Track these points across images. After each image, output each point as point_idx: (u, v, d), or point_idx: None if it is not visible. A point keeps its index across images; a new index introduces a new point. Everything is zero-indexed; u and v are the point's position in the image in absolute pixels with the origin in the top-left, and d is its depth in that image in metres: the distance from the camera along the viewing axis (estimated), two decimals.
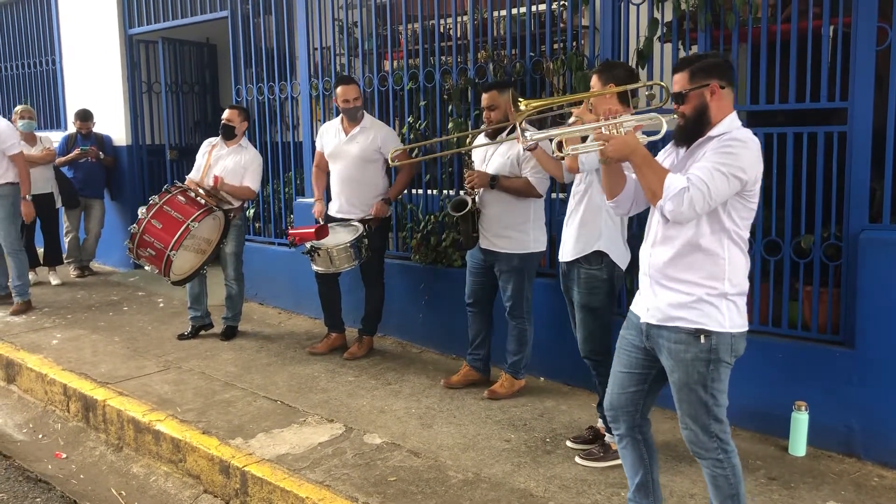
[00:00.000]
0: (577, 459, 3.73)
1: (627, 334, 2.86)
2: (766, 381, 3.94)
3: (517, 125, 2.91)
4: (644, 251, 2.78)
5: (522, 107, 2.76)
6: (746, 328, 2.66)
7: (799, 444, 3.77)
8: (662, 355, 2.70)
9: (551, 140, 2.76)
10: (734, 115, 2.66)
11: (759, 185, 2.61)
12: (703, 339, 2.59)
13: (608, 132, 2.60)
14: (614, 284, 3.70)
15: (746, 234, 2.65)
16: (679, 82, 2.66)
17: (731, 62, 2.75)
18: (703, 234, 2.59)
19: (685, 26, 4.18)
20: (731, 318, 2.60)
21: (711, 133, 2.62)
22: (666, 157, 2.81)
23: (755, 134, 3.97)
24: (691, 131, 2.65)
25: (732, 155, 2.50)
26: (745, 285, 2.65)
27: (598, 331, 3.71)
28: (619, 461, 3.80)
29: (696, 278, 2.61)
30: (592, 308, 3.68)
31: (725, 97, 2.63)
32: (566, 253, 3.73)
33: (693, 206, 2.47)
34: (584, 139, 2.76)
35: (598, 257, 3.63)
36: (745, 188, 2.55)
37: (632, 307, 2.86)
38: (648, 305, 2.72)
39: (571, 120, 2.92)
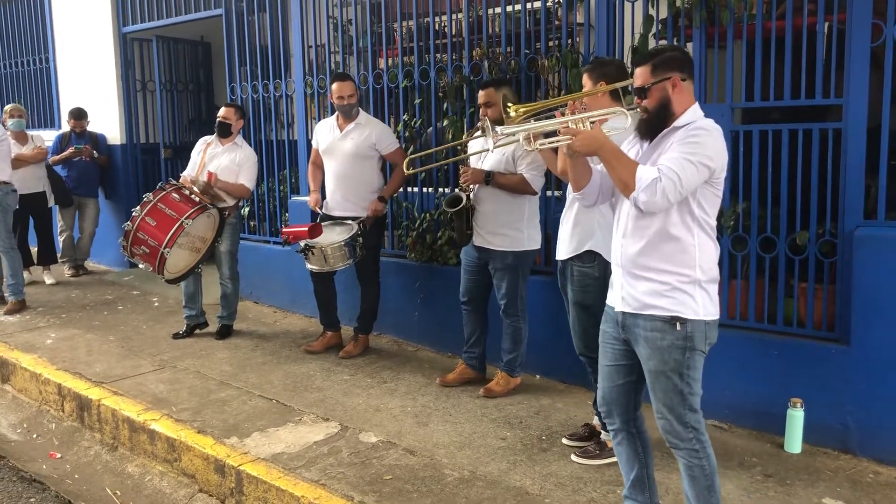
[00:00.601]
0: (573, 457, 3.73)
1: (607, 328, 2.88)
2: (761, 378, 3.94)
3: (487, 125, 2.96)
4: (615, 243, 2.80)
5: (512, 113, 2.77)
6: (718, 316, 2.70)
7: (794, 440, 3.77)
8: (639, 345, 2.72)
9: (521, 135, 2.75)
10: (696, 105, 2.69)
11: (725, 173, 2.67)
12: (678, 327, 2.62)
13: (575, 126, 2.64)
14: (607, 283, 3.70)
15: (714, 222, 2.69)
16: (641, 76, 2.68)
17: (690, 54, 2.79)
18: (673, 223, 2.62)
19: (680, 23, 4.18)
20: (704, 305, 2.64)
21: (676, 123, 2.65)
22: (630, 148, 2.83)
23: (751, 131, 4.01)
24: (654, 125, 2.68)
25: (699, 144, 2.55)
26: (716, 272, 2.69)
27: (591, 328, 3.70)
28: (614, 459, 3.81)
29: (667, 266, 2.64)
30: (585, 305, 3.68)
31: (686, 89, 2.67)
32: (561, 251, 3.73)
33: (666, 196, 2.51)
34: (552, 133, 2.77)
35: (591, 256, 3.62)
36: (713, 176, 2.60)
37: (608, 300, 2.89)
38: (623, 295, 2.74)
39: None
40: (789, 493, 3.38)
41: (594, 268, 3.63)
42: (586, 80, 3.47)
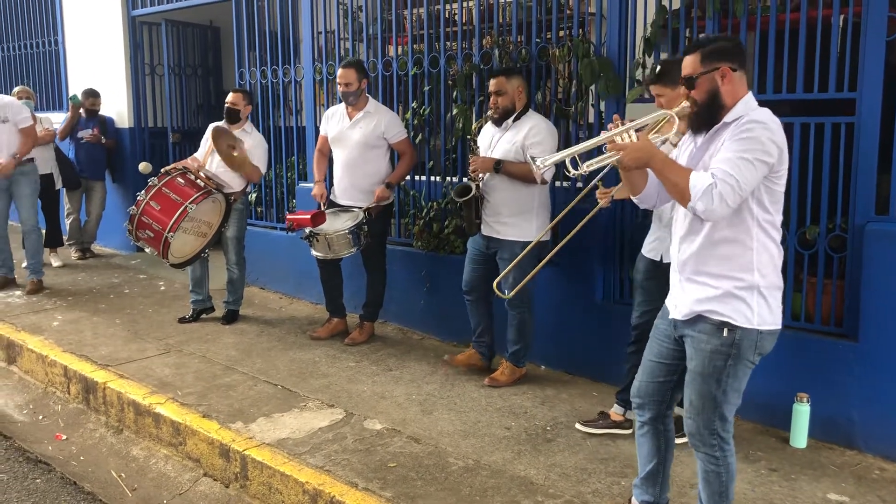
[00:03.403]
0: (577, 425, 3.89)
1: (661, 324, 2.83)
2: (768, 373, 3.92)
3: (530, 160, 2.91)
4: (673, 248, 2.75)
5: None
6: (778, 326, 2.57)
7: (800, 435, 3.76)
8: (686, 343, 2.67)
9: (565, 160, 2.62)
10: (749, 97, 2.57)
11: (786, 166, 2.52)
12: (725, 333, 2.53)
13: (620, 140, 2.53)
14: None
15: (778, 220, 2.56)
16: (689, 66, 2.58)
17: (742, 45, 2.69)
18: (729, 224, 2.51)
19: (693, 14, 4.15)
20: (759, 313, 2.53)
21: (727, 118, 2.54)
22: (685, 147, 2.75)
23: None
24: (705, 117, 2.58)
25: (753, 139, 2.41)
26: (777, 278, 2.57)
27: None
28: (616, 430, 3.85)
29: (723, 271, 2.54)
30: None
31: (738, 81, 2.55)
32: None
33: (724, 201, 2.38)
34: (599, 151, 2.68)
35: None
36: (772, 171, 2.46)
37: (666, 300, 2.83)
38: (677, 302, 2.69)
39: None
40: (794, 488, 3.37)
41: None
42: (661, 89, 3.42)
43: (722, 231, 2.53)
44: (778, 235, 2.58)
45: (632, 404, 2.99)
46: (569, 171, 2.60)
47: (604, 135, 2.61)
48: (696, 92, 2.57)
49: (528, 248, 4.25)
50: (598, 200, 3.83)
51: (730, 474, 2.70)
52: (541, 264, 4.18)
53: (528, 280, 4.32)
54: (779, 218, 2.56)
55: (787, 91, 3.89)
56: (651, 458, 2.94)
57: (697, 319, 2.60)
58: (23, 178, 6.50)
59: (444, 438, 3.82)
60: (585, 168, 2.60)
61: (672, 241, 2.77)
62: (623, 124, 2.63)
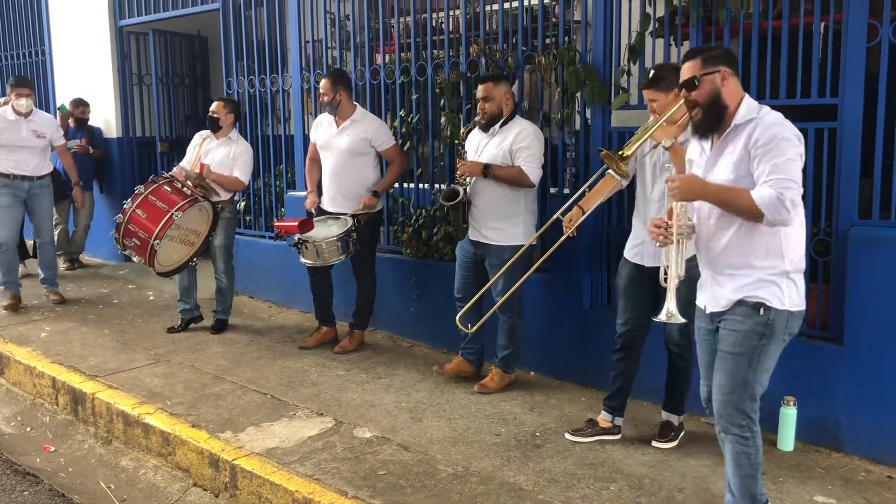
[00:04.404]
0: (566, 435, 3.88)
1: (701, 325, 2.91)
2: None
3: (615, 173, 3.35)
4: (700, 245, 2.81)
5: (625, 168, 3.15)
6: (803, 308, 2.70)
7: (787, 438, 3.78)
8: (721, 327, 2.75)
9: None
10: (748, 97, 2.70)
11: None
12: (762, 312, 2.64)
13: (674, 184, 2.64)
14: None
15: (801, 207, 2.67)
16: (690, 69, 2.70)
17: (734, 53, 2.81)
18: (788, 226, 2.61)
19: (677, 21, 4.19)
20: (790, 295, 2.66)
21: (736, 121, 2.66)
22: (695, 156, 2.85)
23: None
24: (709, 119, 2.69)
25: (786, 139, 2.56)
26: (803, 263, 2.70)
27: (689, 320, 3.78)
28: (604, 437, 3.86)
29: (757, 261, 2.66)
30: (689, 300, 3.71)
31: (735, 83, 2.69)
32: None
33: (794, 204, 2.52)
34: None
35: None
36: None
37: (697, 301, 2.91)
38: (713, 296, 2.77)
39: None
40: (781, 491, 3.39)
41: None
42: (655, 94, 3.48)
43: (752, 225, 2.63)
44: (802, 222, 2.69)
45: (706, 412, 3.00)
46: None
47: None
48: (698, 93, 2.67)
49: (516, 256, 4.26)
50: (564, 230, 3.91)
51: (758, 455, 2.77)
52: (525, 276, 4.20)
53: (515, 289, 4.34)
54: (801, 207, 2.66)
55: (769, 97, 3.92)
56: None
57: (735, 304, 2.70)
58: (43, 190, 6.53)
59: (433, 446, 3.83)
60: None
61: (696, 238, 2.83)
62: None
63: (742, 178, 2.63)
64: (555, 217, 4.11)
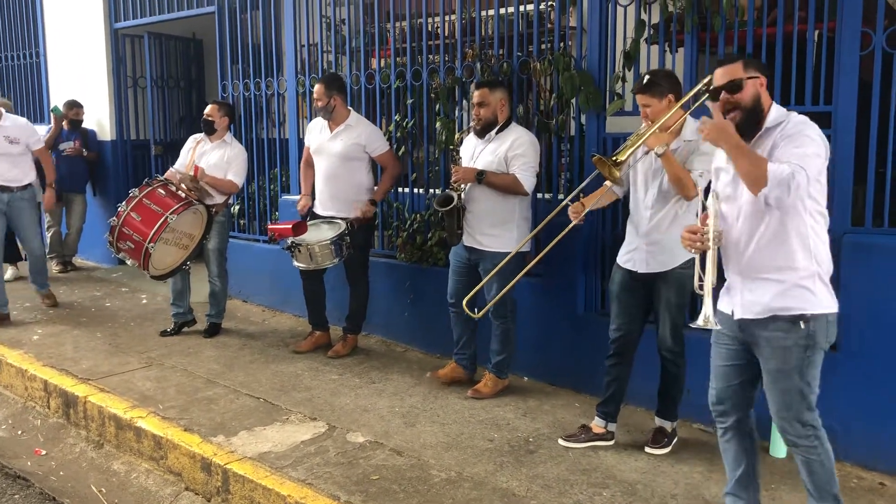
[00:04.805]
0: (560, 441, 3.88)
1: (723, 329, 2.89)
2: None
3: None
4: (727, 250, 2.81)
5: (617, 173, 3.30)
6: (837, 310, 2.71)
7: (780, 445, 3.79)
8: (759, 345, 2.75)
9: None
10: (776, 104, 2.74)
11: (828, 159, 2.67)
12: (802, 325, 2.65)
13: (705, 125, 2.65)
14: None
15: (825, 209, 2.70)
16: (732, 72, 2.71)
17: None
18: (789, 218, 2.64)
19: (672, 28, 4.20)
20: (823, 298, 2.67)
21: (767, 124, 2.69)
22: (718, 169, 2.87)
23: None
24: (751, 122, 2.70)
25: (809, 137, 2.58)
26: (830, 263, 2.72)
27: (682, 326, 3.79)
28: (597, 443, 3.86)
29: (787, 263, 2.66)
30: (682, 305, 3.74)
31: (767, 92, 2.73)
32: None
33: (798, 191, 2.53)
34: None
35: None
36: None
37: (720, 306, 2.89)
38: (743, 301, 2.76)
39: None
40: (773, 498, 3.40)
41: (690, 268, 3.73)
42: (648, 100, 3.51)
43: (779, 226, 2.65)
44: (826, 223, 2.72)
45: (713, 414, 3.01)
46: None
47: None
48: (742, 95, 2.69)
49: (507, 258, 4.26)
50: (571, 218, 3.86)
51: (830, 458, 2.78)
52: (517, 277, 4.19)
53: (508, 291, 4.33)
54: (824, 209, 2.70)
55: None
56: (738, 462, 2.99)
57: (771, 318, 2.69)
58: (24, 203, 6.15)
59: (426, 451, 3.82)
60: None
61: (723, 246, 2.82)
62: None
63: None
64: (549, 218, 4.11)
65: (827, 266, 2.70)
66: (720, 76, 2.74)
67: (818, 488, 2.80)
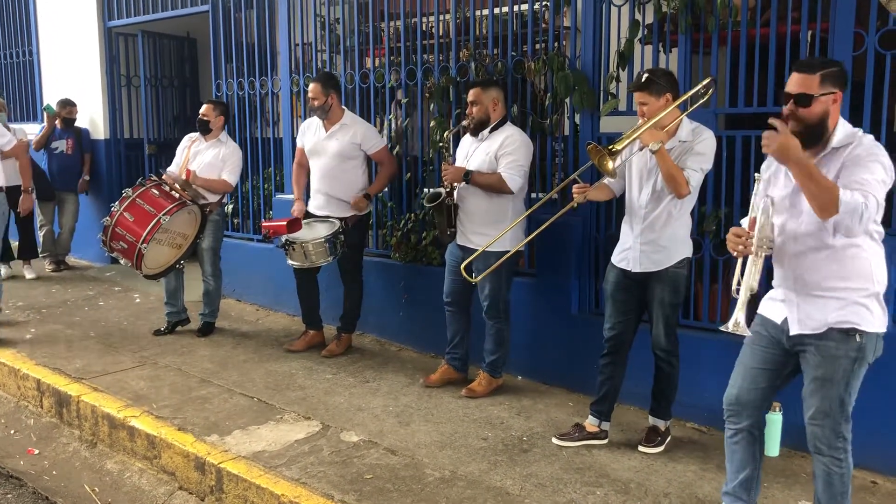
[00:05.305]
0: (553, 439, 3.89)
1: (763, 331, 2.88)
2: None
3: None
4: (783, 263, 2.78)
5: (610, 165, 3.38)
6: (886, 329, 2.71)
7: (773, 444, 3.77)
8: (807, 352, 2.73)
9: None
10: (843, 120, 2.66)
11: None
12: (857, 338, 2.65)
13: (769, 139, 2.53)
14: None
15: (881, 228, 2.69)
16: (805, 85, 2.60)
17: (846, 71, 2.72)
18: (847, 237, 2.61)
19: (666, 28, 4.21)
20: (878, 317, 2.68)
21: (834, 144, 2.61)
22: (772, 175, 2.82)
23: (734, 136, 4.05)
24: (808, 138, 2.59)
25: (879, 162, 2.53)
26: (886, 283, 2.71)
27: (676, 325, 3.81)
28: (591, 441, 3.87)
29: (846, 283, 2.65)
30: (675, 304, 3.76)
31: (838, 107, 2.65)
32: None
33: (870, 219, 2.50)
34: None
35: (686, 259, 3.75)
36: None
37: (767, 314, 2.87)
38: (799, 317, 2.73)
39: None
40: (767, 496, 3.41)
41: (685, 267, 3.76)
42: (646, 98, 3.51)
43: (841, 244, 2.63)
44: (881, 237, 2.71)
45: (725, 413, 3.00)
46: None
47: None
48: (808, 111, 2.59)
49: (504, 258, 4.27)
50: (573, 196, 3.86)
51: (850, 474, 2.80)
52: (507, 255, 4.26)
53: (503, 292, 4.35)
54: (881, 228, 2.68)
55: (757, 104, 3.95)
56: (745, 465, 2.98)
57: (826, 331, 2.69)
58: None
59: (420, 450, 3.82)
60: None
61: (775, 256, 2.81)
62: None
63: None
64: (550, 222, 4.12)
65: (883, 285, 2.70)
66: (794, 83, 2.63)
67: (830, 501, 2.81)
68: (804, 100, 2.60)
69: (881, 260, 2.69)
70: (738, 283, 2.75)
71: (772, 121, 2.52)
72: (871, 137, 2.63)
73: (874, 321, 2.66)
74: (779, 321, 2.82)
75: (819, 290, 2.70)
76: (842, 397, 2.71)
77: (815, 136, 2.62)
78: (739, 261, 2.76)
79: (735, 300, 2.74)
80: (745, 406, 2.93)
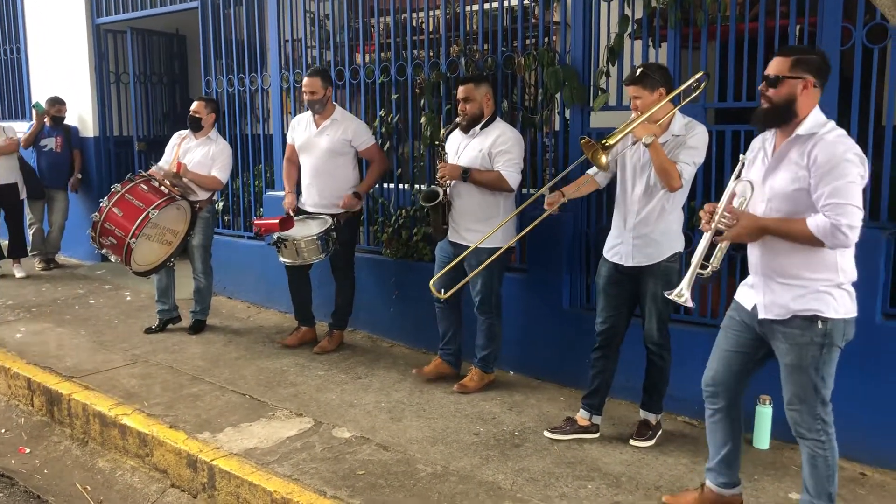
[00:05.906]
0: (545, 433, 3.91)
1: (736, 315, 2.96)
2: None
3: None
4: (754, 250, 2.86)
5: (604, 159, 3.40)
6: (856, 313, 2.76)
7: (763, 437, 3.82)
8: (776, 340, 2.80)
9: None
10: (817, 110, 2.71)
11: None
12: (819, 325, 2.69)
13: (729, 221, 2.74)
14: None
15: (857, 225, 2.70)
16: (777, 67, 2.71)
17: (830, 64, 2.79)
18: (848, 245, 2.64)
19: (655, 23, 4.22)
20: (843, 304, 2.72)
21: (799, 131, 2.68)
22: (753, 158, 2.88)
23: (724, 131, 4.06)
24: (773, 117, 2.72)
25: (849, 161, 2.57)
26: (855, 272, 2.75)
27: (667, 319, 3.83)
28: (582, 435, 3.89)
29: (811, 273, 2.71)
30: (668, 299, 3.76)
31: (813, 96, 2.70)
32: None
33: (853, 229, 2.55)
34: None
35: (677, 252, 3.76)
36: None
37: (740, 298, 2.96)
38: (766, 302, 2.81)
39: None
40: (756, 488, 3.43)
41: (677, 262, 3.78)
42: (640, 91, 3.53)
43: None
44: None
45: (703, 393, 3.08)
46: (702, 274, 2.84)
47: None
48: (775, 92, 2.70)
49: (495, 255, 4.28)
50: (546, 207, 3.93)
51: (835, 457, 2.84)
52: (490, 258, 4.27)
53: (494, 287, 4.36)
54: None
55: (746, 99, 3.97)
56: (725, 443, 3.07)
57: (791, 318, 2.75)
58: None
59: (412, 445, 3.83)
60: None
61: (749, 246, 2.88)
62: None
63: (799, 192, 2.67)
64: (540, 219, 4.13)
65: (851, 276, 2.74)
66: (770, 65, 2.75)
67: (817, 485, 2.85)
68: (772, 81, 2.71)
69: (849, 251, 2.71)
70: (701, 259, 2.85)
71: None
72: (836, 133, 2.65)
73: (839, 307, 2.71)
74: (749, 307, 2.90)
75: (785, 277, 2.76)
76: (814, 382, 2.76)
77: (780, 117, 2.72)
78: (706, 235, 2.85)
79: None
80: (720, 387, 3.01)
